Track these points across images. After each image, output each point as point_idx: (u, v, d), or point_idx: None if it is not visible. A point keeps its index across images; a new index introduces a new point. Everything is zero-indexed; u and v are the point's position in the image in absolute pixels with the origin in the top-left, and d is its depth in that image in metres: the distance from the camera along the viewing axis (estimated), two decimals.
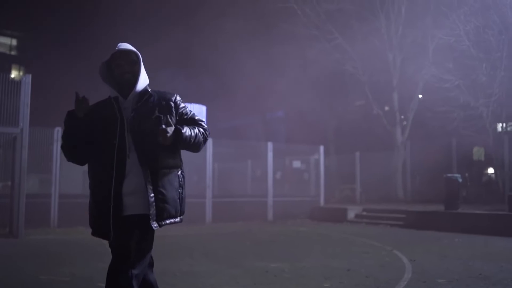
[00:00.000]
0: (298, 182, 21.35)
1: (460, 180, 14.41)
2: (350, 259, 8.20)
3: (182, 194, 3.10)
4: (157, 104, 3.06)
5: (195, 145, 3.06)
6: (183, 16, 29.17)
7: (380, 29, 22.32)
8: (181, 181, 3.11)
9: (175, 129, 2.91)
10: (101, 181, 2.92)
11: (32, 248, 9.79)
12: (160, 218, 2.93)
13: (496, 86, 18.54)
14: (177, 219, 3.08)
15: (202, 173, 16.96)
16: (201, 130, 3.13)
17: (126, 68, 3.01)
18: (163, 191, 2.94)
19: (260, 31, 25.28)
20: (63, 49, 30.67)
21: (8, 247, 9.97)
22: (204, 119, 3.17)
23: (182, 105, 3.18)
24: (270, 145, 18.05)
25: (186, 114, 3.19)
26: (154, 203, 2.88)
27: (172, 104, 3.11)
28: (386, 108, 24.83)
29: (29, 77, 11.23)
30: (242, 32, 26.20)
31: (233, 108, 31.12)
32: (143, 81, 3.08)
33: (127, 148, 2.91)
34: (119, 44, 3.08)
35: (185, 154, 3.18)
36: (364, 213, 17.13)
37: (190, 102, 30.42)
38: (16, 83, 11.30)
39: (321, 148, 19.55)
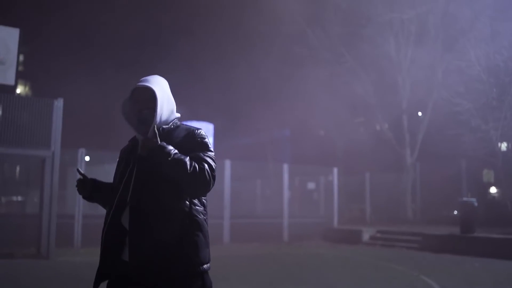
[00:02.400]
0: (308, 202, 21.60)
1: (476, 204, 14.65)
2: (382, 285, 8.41)
3: (191, 233, 2.68)
4: (175, 140, 2.79)
5: (175, 168, 2.63)
6: (193, 34, 29.53)
7: (390, 52, 22.73)
8: (194, 224, 2.70)
9: (158, 142, 2.65)
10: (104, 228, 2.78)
11: (64, 270, 9.97)
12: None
13: (506, 110, 18.94)
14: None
15: (217, 193, 17.17)
16: (195, 163, 2.68)
17: (143, 104, 2.81)
18: (166, 235, 2.61)
19: (270, 52, 25.63)
20: (71, 65, 31.02)
21: (42, 269, 10.14)
22: (211, 163, 2.73)
23: (199, 139, 2.83)
24: (286, 166, 18.31)
25: (199, 149, 2.78)
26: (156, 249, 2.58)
27: (189, 139, 2.82)
28: (396, 129, 25.14)
29: (61, 101, 11.48)
30: (252, 52, 26.58)
31: (241, 126, 31.38)
32: (165, 116, 2.84)
33: (131, 188, 2.70)
34: (141, 79, 2.89)
35: None
36: (379, 234, 17.34)
37: (198, 120, 30.77)
38: (47, 106, 11.54)
39: (335, 169, 19.80)
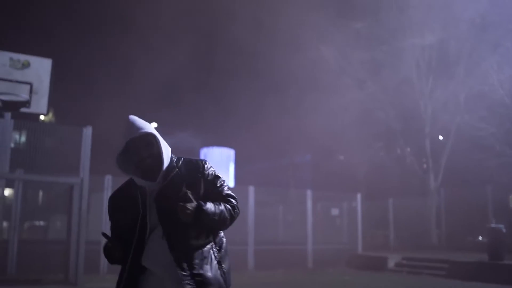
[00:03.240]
0: (331, 228, 21.43)
1: (504, 230, 14.42)
2: None
3: (224, 268, 2.80)
4: (185, 178, 2.79)
5: (220, 223, 2.74)
6: (213, 60, 29.97)
7: (411, 77, 22.76)
8: (217, 255, 2.80)
9: (196, 206, 2.64)
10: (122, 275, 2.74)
11: None
12: None
13: None
14: None
15: (239, 219, 17.17)
16: (228, 206, 2.79)
17: (143, 153, 2.73)
18: (201, 272, 2.67)
19: (292, 77, 25.85)
20: (99, 93, 31.62)
21: None
22: (233, 194, 2.86)
23: (211, 174, 2.86)
24: (309, 192, 18.27)
25: (215, 186, 2.84)
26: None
27: (200, 175, 2.82)
28: (418, 154, 25.00)
29: (89, 129, 11.68)
30: (271, 77, 26.83)
31: (262, 151, 31.51)
32: (166, 157, 2.77)
33: (148, 229, 2.69)
34: (128, 128, 2.75)
35: None
36: (404, 261, 17.10)
37: (219, 145, 31.01)
38: (77, 133, 11.74)
39: (359, 195, 19.70)
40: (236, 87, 30.45)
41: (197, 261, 2.68)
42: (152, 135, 2.73)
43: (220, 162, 29.79)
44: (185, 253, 2.67)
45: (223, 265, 2.80)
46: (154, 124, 32.87)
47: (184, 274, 2.62)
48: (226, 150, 30.64)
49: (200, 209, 2.63)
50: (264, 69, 26.94)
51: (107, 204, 2.91)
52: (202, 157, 30.28)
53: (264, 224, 21.22)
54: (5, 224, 14.78)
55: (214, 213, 2.68)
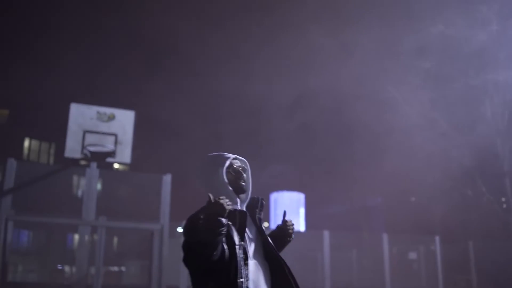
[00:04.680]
0: (407, 273, 20.67)
1: None
2: None
3: None
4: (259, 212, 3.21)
5: None
6: (281, 105, 30.40)
7: (486, 114, 22.13)
8: None
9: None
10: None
11: None
12: None
13: None
14: None
15: (314, 264, 16.98)
16: None
17: (244, 175, 3.14)
18: None
19: (360, 120, 25.74)
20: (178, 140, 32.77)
21: None
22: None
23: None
24: (385, 236, 17.83)
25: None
26: None
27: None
28: (497, 193, 23.98)
29: (169, 177, 12.09)
30: (340, 122, 26.82)
31: (332, 195, 31.24)
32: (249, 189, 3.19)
33: (249, 257, 2.91)
34: (225, 153, 3.15)
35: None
36: None
37: (288, 189, 30.98)
38: (157, 181, 12.17)
39: (437, 238, 19.02)
40: (306, 133, 30.67)
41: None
42: (247, 165, 3.23)
43: (290, 206, 29.71)
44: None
45: None
46: None
47: None
48: (296, 195, 30.56)
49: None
50: (332, 114, 27.04)
51: (192, 224, 2.90)
52: (272, 202, 30.38)
53: (339, 269, 20.79)
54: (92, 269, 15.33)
55: None
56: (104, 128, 11.07)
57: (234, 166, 3.12)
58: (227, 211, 2.77)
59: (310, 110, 29.85)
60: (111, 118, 11.12)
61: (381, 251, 17.80)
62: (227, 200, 2.79)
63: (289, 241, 3.22)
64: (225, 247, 2.84)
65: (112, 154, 10.88)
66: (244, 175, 3.13)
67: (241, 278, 2.81)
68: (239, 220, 2.95)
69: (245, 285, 2.81)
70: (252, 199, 3.20)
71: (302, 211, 30.18)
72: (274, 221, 29.91)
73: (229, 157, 3.12)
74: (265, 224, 28.24)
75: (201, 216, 2.79)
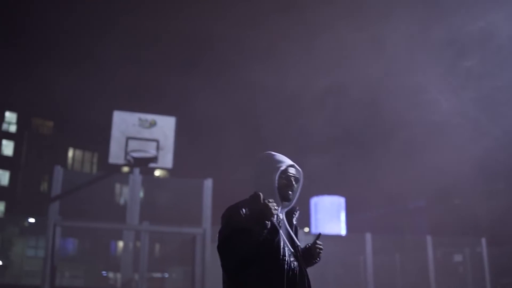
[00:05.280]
0: (453, 276, 20.20)
1: None
2: None
3: None
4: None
5: None
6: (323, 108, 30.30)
7: None
8: None
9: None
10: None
11: None
12: None
13: None
14: None
15: (356, 268, 16.78)
16: None
17: (294, 185, 3.17)
18: None
19: (400, 121, 25.39)
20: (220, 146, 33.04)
21: None
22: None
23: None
24: (429, 238, 17.48)
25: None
26: None
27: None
28: None
29: (210, 181, 12.22)
30: (380, 122, 26.52)
31: (373, 198, 30.89)
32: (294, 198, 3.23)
33: (297, 268, 2.98)
34: (286, 158, 3.23)
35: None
36: None
37: (329, 194, 30.77)
38: (198, 185, 12.32)
39: (483, 240, 18.53)
40: (345, 135, 30.48)
41: None
42: (300, 176, 3.24)
43: (331, 210, 29.49)
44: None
45: None
46: None
47: None
48: (337, 198, 30.30)
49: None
50: (372, 115, 26.79)
51: (231, 213, 2.95)
52: (312, 206, 30.23)
53: (382, 273, 20.48)
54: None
55: None
56: (146, 134, 11.34)
57: (288, 173, 3.16)
58: (273, 216, 2.83)
59: (352, 114, 29.65)
60: (153, 124, 11.38)
61: (425, 254, 17.44)
62: (275, 205, 2.85)
63: (315, 262, 3.23)
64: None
65: (154, 159, 11.12)
66: (295, 185, 3.18)
67: (285, 256, 2.92)
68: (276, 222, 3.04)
69: (289, 265, 2.93)
70: (292, 207, 3.26)
71: (342, 215, 29.91)
72: (315, 226, 29.73)
73: (286, 163, 3.17)
74: (305, 229, 28.10)
75: (244, 211, 2.87)
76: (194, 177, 13.47)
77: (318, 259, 3.18)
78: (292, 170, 3.19)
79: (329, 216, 29.39)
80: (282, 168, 3.13)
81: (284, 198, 3.12)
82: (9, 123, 41.90)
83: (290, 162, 3.20)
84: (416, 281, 18.13)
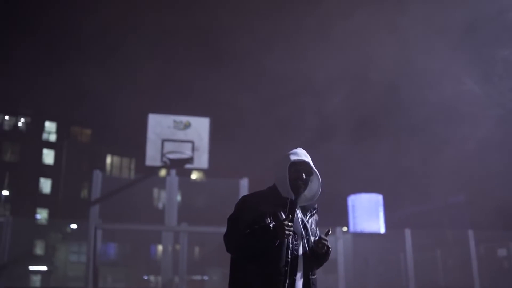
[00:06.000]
0: (498, 271, 19.71)
1: None
2: None
3: None
4: (315, 218, 3.44)
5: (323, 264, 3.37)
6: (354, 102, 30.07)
7: None
8: None
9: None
10: (271, 277, 3.11)
11: None
12: None
13: None
14: None
15: (396, 265, 16.57)
16: None
17: (301, 176, 3.33)
18: None
19: (436, 113, 24.97)
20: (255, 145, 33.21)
21: None
22: None
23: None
24: (471, 233, 17.10)
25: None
26: None
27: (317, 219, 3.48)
28: None
29: (246, 181, 12.26)
30: (415, 115, 26.13)
31: (411, 194, 30.42)
32: (314, 193, 3.41)
33: (299, 250, 3.21)
34: (300, 152, 3.44)
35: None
36: None
37: (366, 191, 30.44)
38: (234, 185, 12.38)
39: None
40: (380, 129, 30.17)
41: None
42: (313, 169, 3.39)
43: (369, 208, 29.15)
44: (313, 279, 3.26)
45: None
46: None
47: None
48: (374, 196, 29.95)
49: (329, 249, 3.25)
50: (406, 107, 26.39)
51: (242, 204, 3.38)
52: (349, 204, 29.98)
53: (423, 270, 20.14)
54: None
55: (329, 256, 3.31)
56: (181, 135, 11.50)
57: (298, 166, 3.34)
58: (284, 238, 3.08)
59: (378, 103, 29.29)
60: (187, 125, 11.53)
61: (467, 249, 17.06)
62: (292, 229, 3.08)
63: (324, 257, 3.30)
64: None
65: (190, 160, 11.26)
66: (305, 177, 3.33)
67: (282, 261, 3.13)
68: (289, 207, 3.25)
69: (284, 268, 3.12)
70: (310, 204, 3.42)
71: (381, 212, 29.54)
72: (353, 225, 29.44)
73: (296, 158, 3.37)
74: (344, 229, 27.85)
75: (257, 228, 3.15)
76: (230, 177, 13.55)
77: (320, 251, 3.22)
78: (302, 164, 3.37)
79: (367, 214, 29.05)
80: (291, 161, 3.36)
81: (294, 188, 3.30)
82: (49, 133, 43.02)
83: (302, 158, 3.39)
84: (459, 277, 17.77)
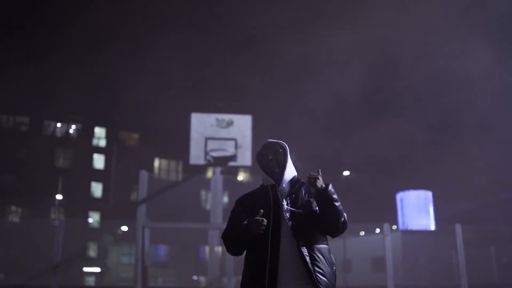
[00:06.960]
0: None
1: None
2: None
3: (335, 270, 3.19)
4: (307, 190, 3.24)
5: (338, 213, 3.14)
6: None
7: None
8: (333, 258, 3.21)
9: (325, 183, 3.12)
10: (256, 261, 3.12)
11: None
12: None
13: None
14: None
15: (447, 262, 16.17)
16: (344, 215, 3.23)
17: (271, 157, 3.27)
18: (320, 264, 3.08)
19: (483, 110, 24.25)
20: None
21: None
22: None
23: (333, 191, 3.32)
24: None
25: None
26: (314, 276, 3.02)
27: None
28: None
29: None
30: (465, 113, 25.46)
31: (461, 190, 29.59)
32: (290, 170, 3.30)
33: (281, 229, 3.10)
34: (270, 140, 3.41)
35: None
36: None
37: (415, 188, 29.88)
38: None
39: None
40: (422, 128, 29.48)
41: (320, 255, 3.10)
42: (280, 146, 3.33)
43: (418, 205, 28.61)
44: (311, 250, 3.10)
45: (335, 268, 3.19)
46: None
47: (311, 269, 3.03)
48: (423, 193, 29.37)
49: (327, 185, 3.11)
50: (442, 104, 25.77)
51: (234, 205, 3.40)
52: (398, 202, 29.49)
53: (477, 267, 19.51)
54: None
55: (336, 199, 3.14)
56: (224, 133, 11.57)
57: (263, 151, 3.34)
58: (259, 232, 3.05)
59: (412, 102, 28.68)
60: (230, 123, 11.59)
61: None
62: (265, 223, 3.05)
63: (317, 195, 3.15)
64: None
65: (233, 158, 11.31)
66: (271, 157, 3.28)
67: (266, 252, 3.09)
68: (272, 192, 3.23)
69: (268, 257, 3.07)
70: (294, 179, 3.33)
71: (431, 209, 28.92)
72: (402, 222, 28.95)
73: (262, 147, 3.39)
74: (393, 227, 27.35)
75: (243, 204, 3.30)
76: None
77: (313, 187, 3.12)
78: (265, 149, 3.34)
79: (417, 211, 28.53)
80: (258, 152, 3.39)
81: (272, 175, 3.27)
82: (99, 138, 44.25)
83: (266, 142, 3.39)
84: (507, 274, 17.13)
